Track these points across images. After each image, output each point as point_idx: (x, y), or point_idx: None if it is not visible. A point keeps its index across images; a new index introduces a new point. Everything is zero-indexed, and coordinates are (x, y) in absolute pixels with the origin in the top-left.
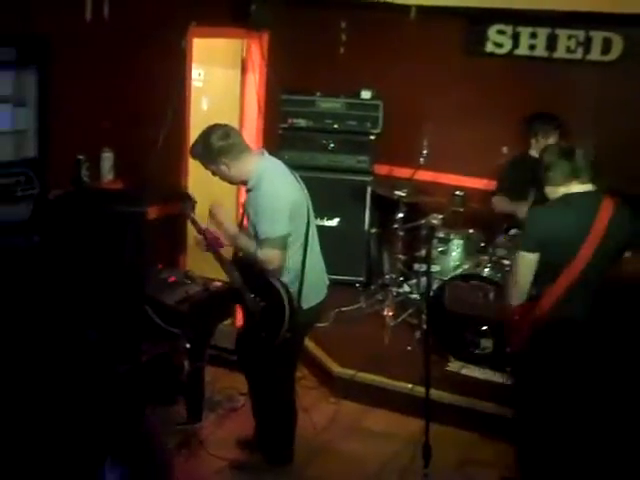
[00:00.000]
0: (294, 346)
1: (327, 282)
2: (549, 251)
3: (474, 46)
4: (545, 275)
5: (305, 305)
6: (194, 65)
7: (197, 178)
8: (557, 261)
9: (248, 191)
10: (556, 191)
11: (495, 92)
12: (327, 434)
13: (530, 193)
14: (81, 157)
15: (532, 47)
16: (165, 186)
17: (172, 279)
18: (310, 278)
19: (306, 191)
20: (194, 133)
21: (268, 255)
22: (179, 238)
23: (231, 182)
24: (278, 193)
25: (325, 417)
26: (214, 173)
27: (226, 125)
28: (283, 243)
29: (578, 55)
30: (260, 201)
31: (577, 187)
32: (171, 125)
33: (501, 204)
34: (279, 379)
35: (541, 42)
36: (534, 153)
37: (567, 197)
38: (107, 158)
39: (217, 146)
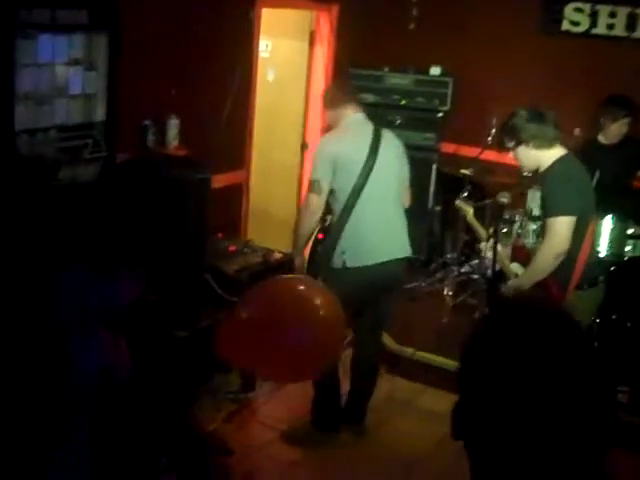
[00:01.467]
0: None
1: (398, 254)
2: (583, 212)
3: (549, 24)
4: (575, 238)
5: (350, 264)
6: (262, 36)
7: (261, 148)
8: (585, 222)
9: None
10: (540, 155)
11: (569, 72)
12: (381, 410)
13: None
14: (147, 123)
15: (611, 26)
16: (229, 155)
17: (232, 248)
18: (358, 238)
19: (389, 155)
20: (259, 104)
21: (307, 197)
22: (240, 208)
23: None
24: (326, 144)
25: (379, 393)
26: None
27: (339, 79)
28: (317, 187)
29: None
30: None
31: (561, 150)
32: (237, 95)
33: None
34: None
35: (620, 21)
36: (601, 138)
37: (565, 160)
38: (173, 125)
39: (325, 95)
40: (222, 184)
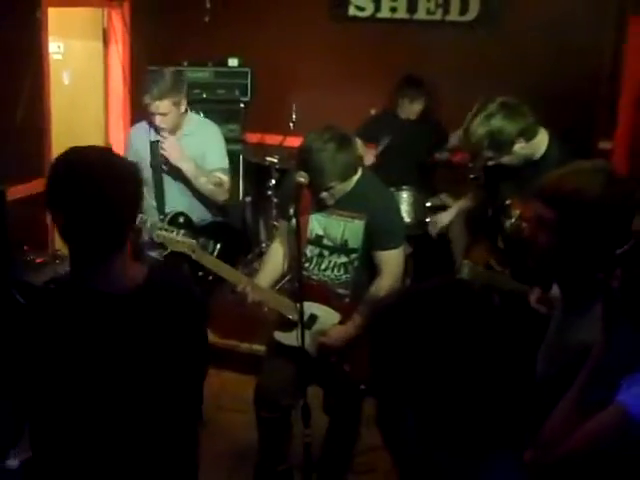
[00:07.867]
0: None
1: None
2: None
3: (337, 10)
4: None
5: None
6: (52, 37)
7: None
8: None
9: None
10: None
11: (360, 56)
12: (213, 406)
13: (382, 140)
14: None
15: (393, 9)
16: (26, 164)
17: (40, 260)
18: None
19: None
20: (57, 108)
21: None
22: (45, 218)
23: None
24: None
25: (209, 389)
26: None
27: None
28: None
29: (438, 16)
30: None
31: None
32: (29, 101)
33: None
34: None
35: (402, 4)
36: (401, 113)
37: (373, 177)
38: None
39: None
40: (22, 194)
